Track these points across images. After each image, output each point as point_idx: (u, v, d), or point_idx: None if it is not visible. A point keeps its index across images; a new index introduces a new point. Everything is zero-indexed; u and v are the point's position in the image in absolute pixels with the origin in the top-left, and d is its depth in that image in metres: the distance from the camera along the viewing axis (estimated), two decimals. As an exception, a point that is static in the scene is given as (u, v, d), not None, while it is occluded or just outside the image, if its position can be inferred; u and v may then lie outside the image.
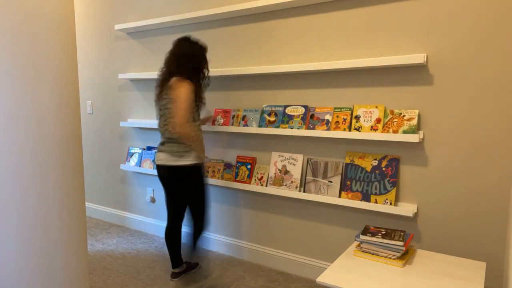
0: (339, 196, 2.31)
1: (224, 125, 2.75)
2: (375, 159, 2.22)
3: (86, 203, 3.96)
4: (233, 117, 2.74)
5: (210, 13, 2.68)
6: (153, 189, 3.36)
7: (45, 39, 1.56)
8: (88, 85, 3.77)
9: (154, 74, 3.06)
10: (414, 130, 2.05)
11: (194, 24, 2.96)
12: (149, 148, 3.31)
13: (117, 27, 3.26)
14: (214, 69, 2.77)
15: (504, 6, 1.85)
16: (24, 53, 1.50)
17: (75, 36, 1.71)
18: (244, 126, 2.66)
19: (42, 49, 1.56)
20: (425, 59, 2.01)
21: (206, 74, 2.41)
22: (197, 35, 2.94)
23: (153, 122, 3.15)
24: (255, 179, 2.65)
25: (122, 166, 3.37)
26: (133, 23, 3.15)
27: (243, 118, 2.68)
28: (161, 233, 3.33)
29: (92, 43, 3.68)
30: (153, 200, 3.37)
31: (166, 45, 3.13)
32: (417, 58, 2.00)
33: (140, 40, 3.29)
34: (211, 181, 2.82)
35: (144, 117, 3.35)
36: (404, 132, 2.07)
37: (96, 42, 3.64)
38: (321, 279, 1.49)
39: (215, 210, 2.98)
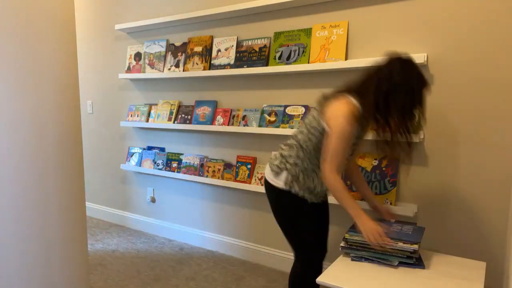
0: (339, 196, 2.31)
1: (224, 125, 2.75)
2: (375, 159, 2.22)
3: (86, 203, 3.96)
4: (233, 117, 2.74)
5: (210, 13, 2.68)
6: (153, 189, 3.36)
7: (45, 39, 1.56)
8: (88, 85, 3.77)
9: (154, 74, 3.06)
10: (414, 130, 2.05)
11: (194, 24, 2.96)
12: (149, 148, 3.31)
13: (117, 27, 3.26)
14: (214, 69, 2.77)
15: (504, 6, 1.85)
16: (24, 53, 1.50)
17: (75, 36, 1.71)
18: (244, 126, 2.66)
19: (42, 49, 1.56)
20: (425, 59, 2.00)
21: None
22: (197, 35, 2.94)
23: (153, 122, 3.15)
24: (255, 179, 2.65)
25: (122, 166, 3.37)
26: (133, 23, 3.15)
27: (243, 118, 2.68)
28: (161, 233, 3.33)
29: (92, 43, 3.68)
30: (153, 200, 3.37)
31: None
32: (417, 58, 1.99)
33: (140, 40, 3.29)
34: (211, 181, 2.82)
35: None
36: (404, 132, 2.07)
37: (96, 42, 3.64)
38: (321, 279, 1.49)
39: (215, 210, 2.98)
